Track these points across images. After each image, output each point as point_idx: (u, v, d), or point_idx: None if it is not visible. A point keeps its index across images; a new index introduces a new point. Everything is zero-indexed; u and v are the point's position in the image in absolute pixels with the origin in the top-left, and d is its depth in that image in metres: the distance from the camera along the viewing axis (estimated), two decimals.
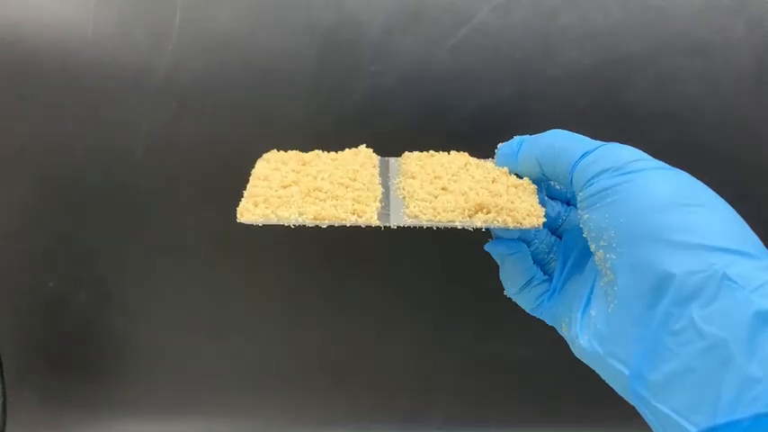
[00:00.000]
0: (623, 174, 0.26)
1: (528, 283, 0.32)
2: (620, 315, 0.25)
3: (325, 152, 0.34)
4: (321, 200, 0.30)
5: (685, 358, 0.22)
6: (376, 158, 0.34)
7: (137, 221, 0.49)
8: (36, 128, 0.47)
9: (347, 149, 0.34)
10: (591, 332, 0.27)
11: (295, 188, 0.30)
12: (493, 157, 0.34)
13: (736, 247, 0.23)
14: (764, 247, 0.24)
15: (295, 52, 0.45)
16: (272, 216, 0.28)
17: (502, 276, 0.32)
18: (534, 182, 0.32)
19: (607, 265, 0.26)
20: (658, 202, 0.24)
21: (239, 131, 0.47)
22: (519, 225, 0.28)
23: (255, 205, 0.29)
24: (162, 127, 0.46)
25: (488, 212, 0.29)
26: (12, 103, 0.47)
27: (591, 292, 0.28)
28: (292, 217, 0.28)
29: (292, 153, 0.33)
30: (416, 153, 0.34)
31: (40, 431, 0.54)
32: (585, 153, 0.27)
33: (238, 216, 0.29)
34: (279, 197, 0.30)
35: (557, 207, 0.33)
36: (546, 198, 0.33)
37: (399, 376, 0.54)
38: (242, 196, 0.31)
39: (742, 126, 0.46)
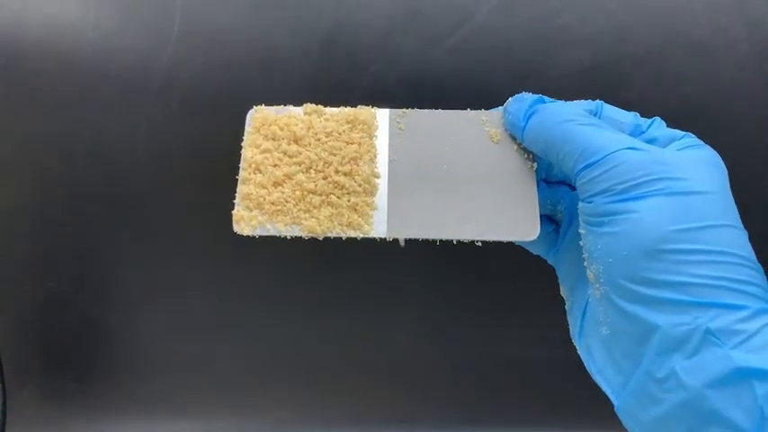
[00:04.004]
0: (621, 201, 0.25)
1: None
2: (612, 345, 0.26)
3: (319, 112, 0.33)
4: (315, 206, 0.30)
5: (670, 406, 0.23)
6: (374, 124, 0.33)
7: (137, 221, 0.49)
8: (36, 128, 0.47)
9: (343, 112, 0.33)
10: (585, 345, 0.28)
11: (288, 189, 0.31)
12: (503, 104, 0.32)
13: (722, 301, 0.23)
14: (763, 283, 0.24)
15: (295, 52, 0.45)
16: (269, 229, 0.30)
17: None
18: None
19: (597, 294, 0.26)
20: (649, 245, 0.23)
21: (239, 131, 0.47)
22: (511, 238, 0.29)
23: (250, 210, 0.30)
24: (162, 127, 0.46)
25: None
26: (12, 102, 0.47)
27: (590, 297, 0.28)
28: (289, 230, 0.30)
29: (282, 121, 0.33)
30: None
31: (40, 431, 0.54)
32: (588, 165, 0.26)
33: (234, 226, 0.30)
34: (272, 203, 0.30)
35: None
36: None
37: (399, 376, 0.54)
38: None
39: (742, 126, 0.46)
